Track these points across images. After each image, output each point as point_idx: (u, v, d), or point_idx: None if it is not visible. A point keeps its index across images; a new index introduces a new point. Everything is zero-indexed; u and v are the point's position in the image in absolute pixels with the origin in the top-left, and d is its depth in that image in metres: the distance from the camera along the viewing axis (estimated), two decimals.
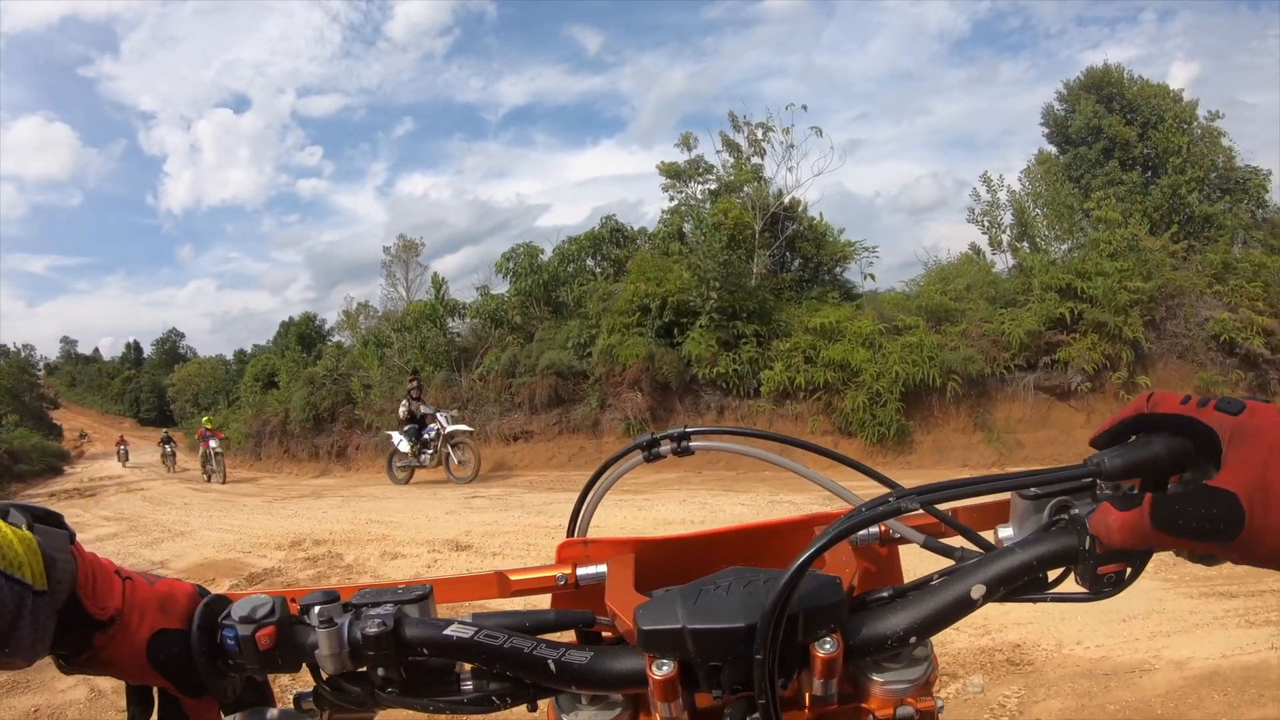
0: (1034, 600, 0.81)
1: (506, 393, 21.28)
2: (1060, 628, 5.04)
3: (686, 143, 24.27)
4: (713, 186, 23.95)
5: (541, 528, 10.04)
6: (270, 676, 0.90)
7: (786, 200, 22.01)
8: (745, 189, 22.26)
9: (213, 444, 23.80)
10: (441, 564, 8.39)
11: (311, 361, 32.97)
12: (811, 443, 1.27)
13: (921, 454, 15.76)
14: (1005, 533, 0.90)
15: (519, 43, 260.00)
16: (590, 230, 25.40)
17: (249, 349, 64.83)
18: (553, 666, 0.79)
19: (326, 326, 46.93)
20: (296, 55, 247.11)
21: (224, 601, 0.86)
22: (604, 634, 0.95)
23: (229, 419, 39.03)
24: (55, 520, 0.78)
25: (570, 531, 1.25)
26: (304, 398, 26.48)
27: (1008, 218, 21.69)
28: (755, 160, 22.80)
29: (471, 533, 9.96)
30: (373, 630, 0.79)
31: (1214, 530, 0.68)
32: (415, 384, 19.36)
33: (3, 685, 5.59)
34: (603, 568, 1.04)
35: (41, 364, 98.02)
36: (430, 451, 18.09)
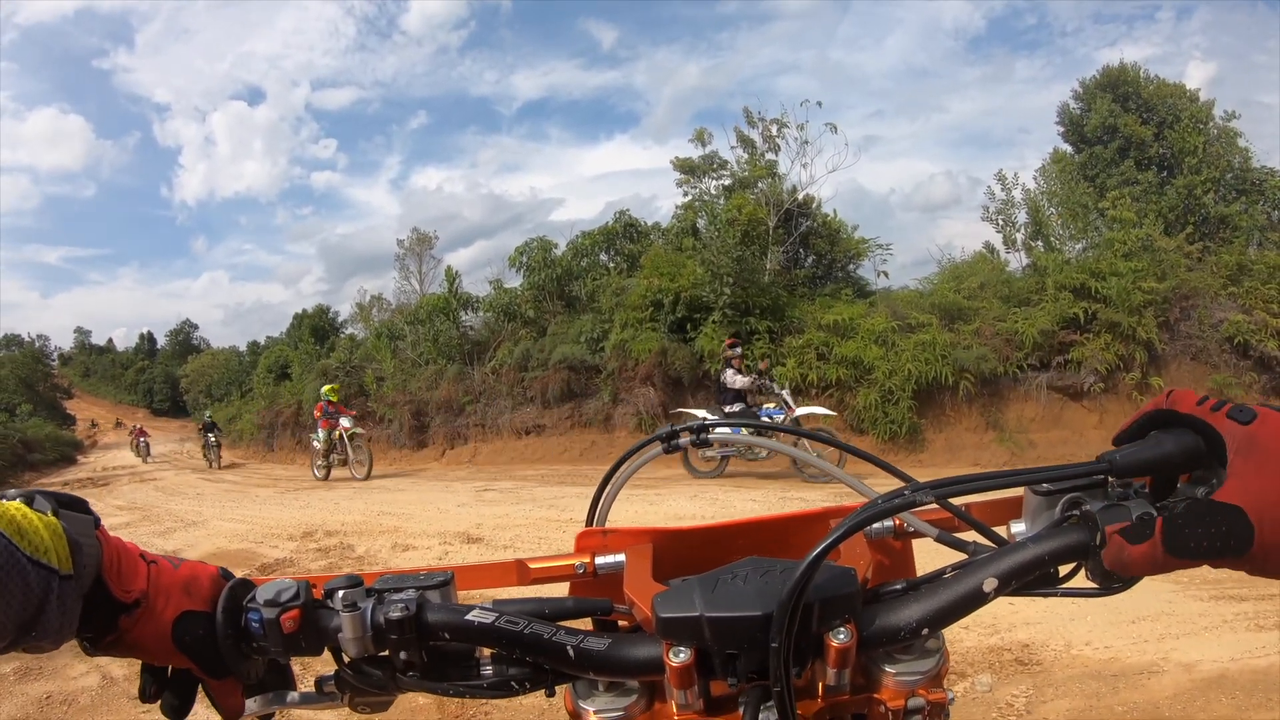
0: (1044, 595, 0.82)
1: (519, 386, 21.31)
2: (1069, 628, 5.02)
3: (701, 138, 24.30)
4: (727, 182, 23.99)
5: (553, 521, 10.03)
6: (292, 660, 0.92)
7: (800, 196, 22.05)
8: (759, 185, 22.27)
9: (345, 422, 18.77)
10: (453, 556, 8.37)
11: (324, 354, 33.01)
12: (832, 437, 1.28)
13: (933, 452, 15.72)
14: (1018, 528, 0.91)
15: (533, 37, 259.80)
16: (604, 225, 25.43)
17: (262, 340, 64.67)
18: (571, 653, 0.80)
19: (340, 319, 46.96)
20: (311, 48, 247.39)
21: (249, 585, 0.87)
22: (620, 622, 0.95)
23: (241, 410, 39.12)
24: (80, 505, 0.79)
25: (589, 521, 1.26)
26: (317, 390, 26.50)
27: (1022, 216, 21.64)
28: (770, 156, 22.87)
29: (483, 525, 9.96)
30: (396, 615, 0.80)
31: (1225, 548, 0.68)
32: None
33: (15, 672, 5.60)
34: (621, 557, 1.04)
35: (56, 354, 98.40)
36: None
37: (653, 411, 18.38)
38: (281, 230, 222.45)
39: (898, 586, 0.83)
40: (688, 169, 24.80)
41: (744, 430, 8.86)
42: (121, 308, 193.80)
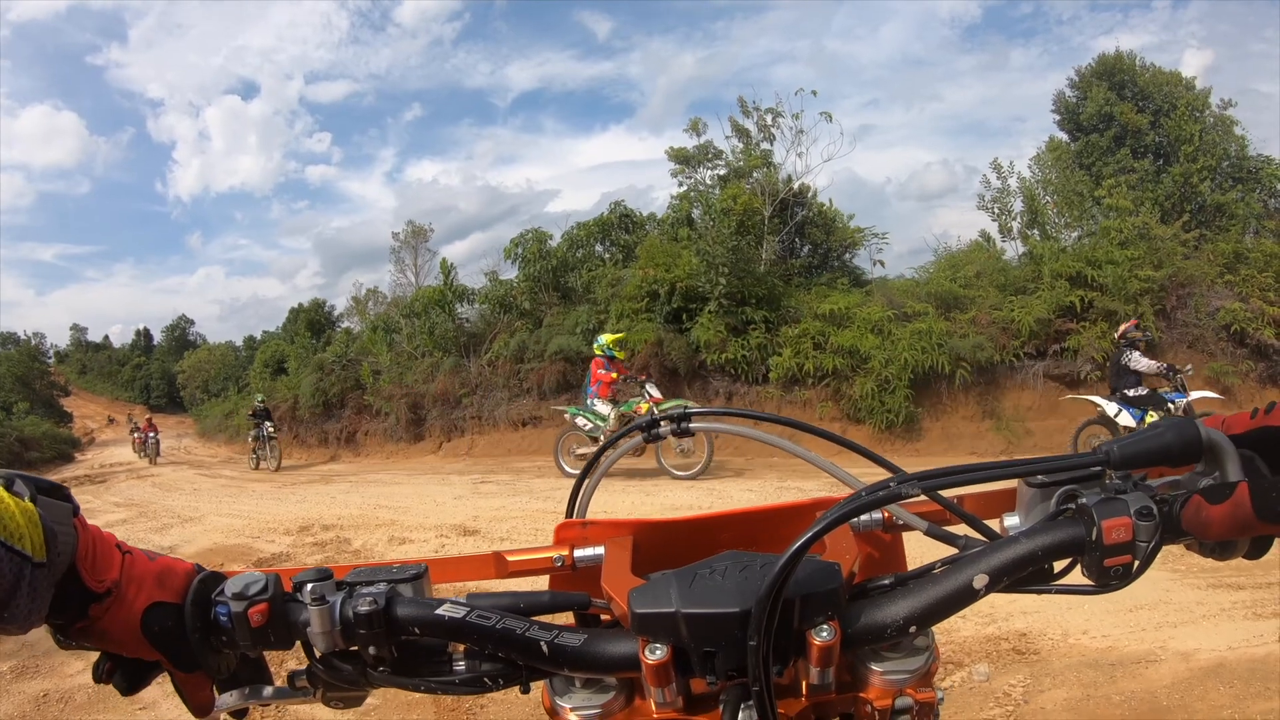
0: (1038, 592, 0.80)
1: (515, 378, 21.36)
2: (1066, 617, 5.03)
3: (696, 128, 24.30)
4: (722, 172, 23.99)
5: (549, 513, 10.07)
6: (271, 655, 0.91)
7: (796, 186, 22.03)
8: (754, 175, 22.24)
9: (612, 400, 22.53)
10: (449, 549, 8.42)
11: (321, 348, 33.09)
12: (814, 425, 1.26)
13: (930, 441, 15.75)
14: (1011, 521, 0.90)
15: (527, 28, 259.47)
16: (599, 216, 25.47)
17: (258, 335, 64.97)
18: (545, 649, 0.78)
19: (336, 313, 47.10)
20: (304, 41, 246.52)
21: (219, 578, 0.86)
22: (602, 616, 0.94)
23: (238, 405, 39.16)
24: (59, 492, 0.79)
25: (569, 513, 1.25)
26: (313, 384, 26.60)
27: (1018, 205, 21.64)
28: (765, 146, 22.83)
29: (479, 518, 10.01)
30: (364, 609, 0.79)
31: None
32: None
33: (12, 670, 5.62)
34: (600, 549, 1.03)
35: (52, 352, 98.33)
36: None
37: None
38: (277, 225, 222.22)
39: (885, 582, 0.81)
40: (683, 159, 24.80)
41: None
42: (117, 304, 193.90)
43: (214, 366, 64.10)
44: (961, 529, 0.87)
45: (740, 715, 0.73)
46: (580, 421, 14.17)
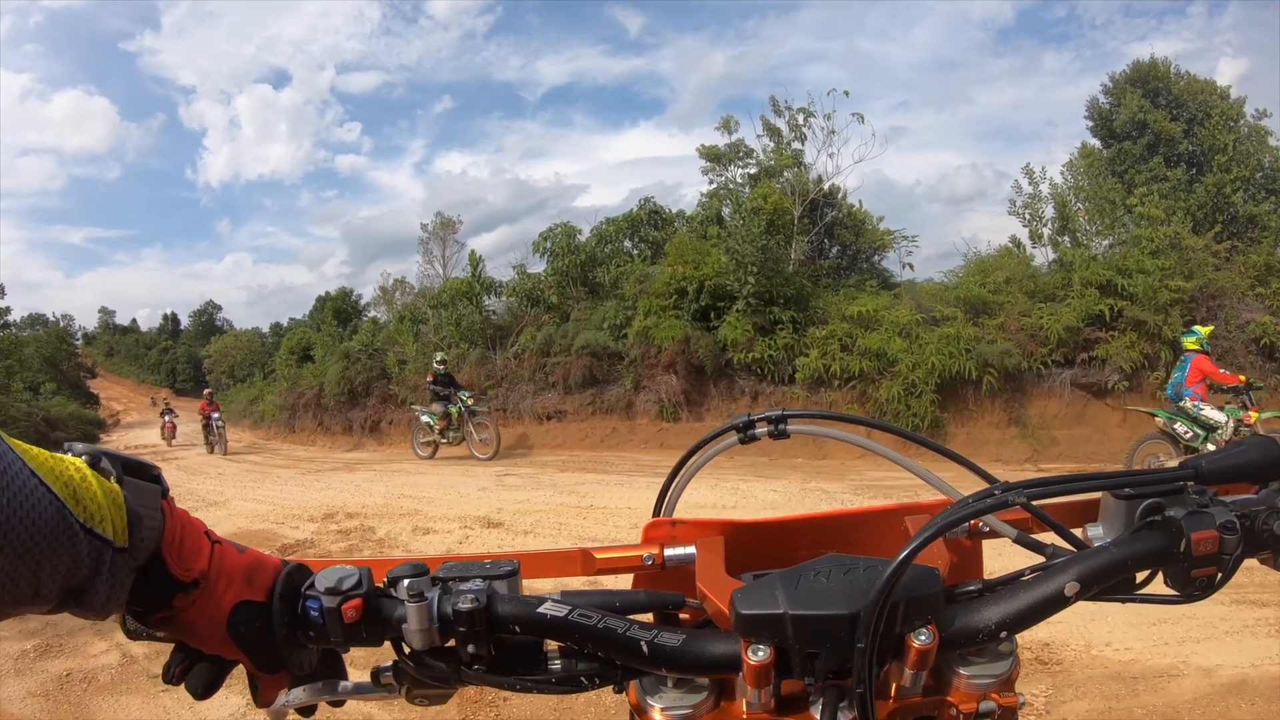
0: (1123, 600, 0.82)
1: (541, 372, 21.32)
2: (1090, 628, 5.01)
3: (727, 126, 24.12)
4: (752, 171, 23.84)
5: (573, 507, 10.08)
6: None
7: (826, 186, 21.91)
8: (785, 174, 22.10)
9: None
10: (473, 540, 8.43)
11: (347, 336, 33.04)
12: (912, 432, 1.26)
13: (954, 446, 15.16)
14: (1094, 531, 0.91)
15: (559, 22, 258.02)
16: (628, 212, 25.26)
17: (285, 322, 65.14)
18: (645, 648, 0.78)
19: (362, 302, 46.85)
20: (337, 32, 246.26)
21: (306, 571, 0.86)
22: (682, 616, 0.94)
23: (264, 391, 39.24)
24: (149, 473, 0.78)
25: (656, 511, 1.23)
26: (339, 372, 26.59)
27: (1049, 211, 21.44)
28: (796, 145, 22.65)
29: (503, 510, 10.03)
30: (465, 606, 0.79)
31: None
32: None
33: (36, 649, 5.67)
34: (691, 549, 1.03)
35: (80, 334, 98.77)
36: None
37: (674, 399, 18.40)
38: (305, 213, 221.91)
39: (974, 587, 0.83)
40: (713, 157, 24.68)
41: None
42: (145, 288, 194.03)
43: (240, 352, 64.22)
44: (1048, 537, 0.88)
45: (837, 716, 0.75)
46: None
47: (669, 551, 1.04)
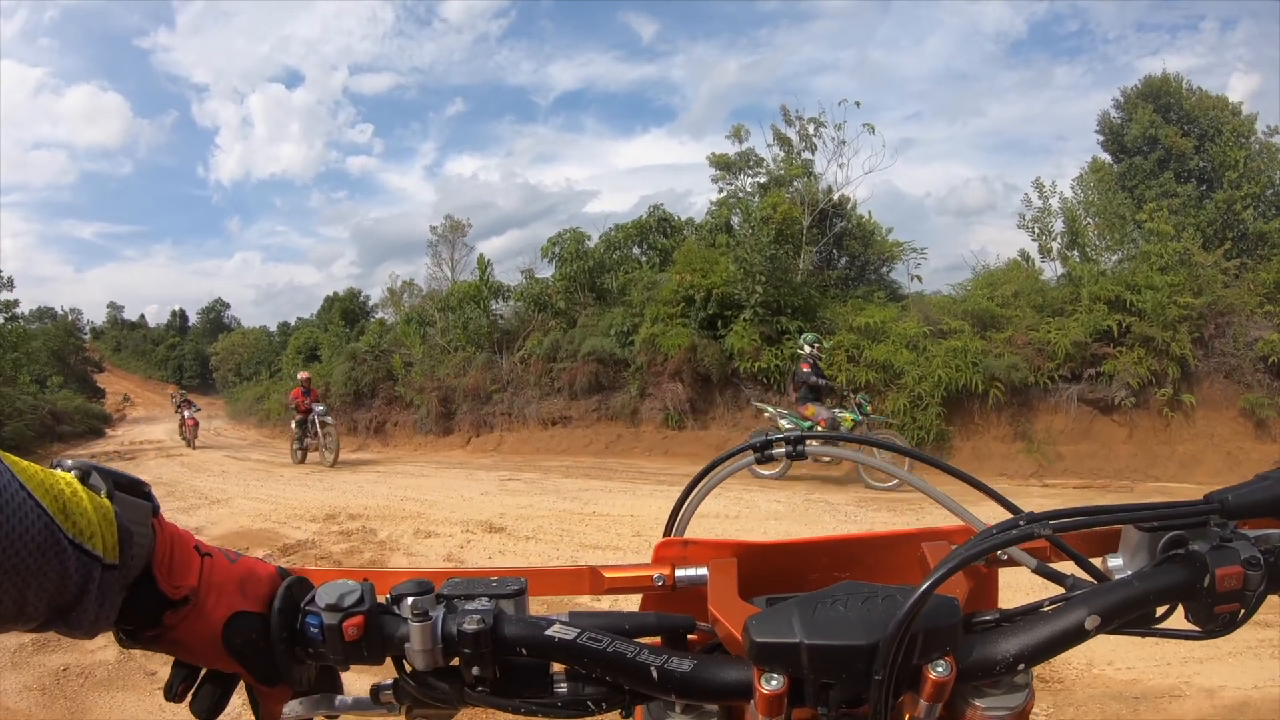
0: (1142, 634, 0.82)
1: (547, 377, 21.39)
2: (1091, 647, 4.97)
3: (738, 135, 24.17)
4: (762, 180, 23.88)
5: (575, 514, 10.08)
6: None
7: (836, 197, 21.93)
8: (795, 184, 22.15)
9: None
10: (475, 545, 8.42)
11: (354, 337, 33.24)
12: (930, 456, 1.25)
13: (959, 460, 15.49)
14: (1115, 562, 0.90)
15: (572, 28, 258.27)
16: (638, 219, 25.36)
17: (292, 321, 65.19)
18: (655, 674, 0.76)
19: (370, 303, 47.17)
20: (350, 33, 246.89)
21: (307, 584, 0.85)
22: (690, 638, 0.91)
23: (270, 389, 39.37)
24: (139, 489, 0.76)
25: (668, 530, 1.21)
26: (345, 372, 26.73)
27: (1059, 225, 21.41)
28: (806, 155, 22.68)
29: (505, 515, 10.01)
30: (471, 627, 0.77)
31: None
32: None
33: (33, 643, 5.66)
34: (703, 570, 1.01)
35: (88, 328, 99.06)
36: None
37: (680, 407, 18.44)
38: (315, 213, 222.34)
39: (990, 618, 0.82)
40: (723, 165, 24.71)
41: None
42: (154, 284, 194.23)
43: (247, 350, 64.33)
44: (1067, 567, 0.87)
45: None
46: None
47: (680, 572, 1.03)
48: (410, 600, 0.80)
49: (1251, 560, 0.77)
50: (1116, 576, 0.83)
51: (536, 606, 0.89)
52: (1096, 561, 0.89)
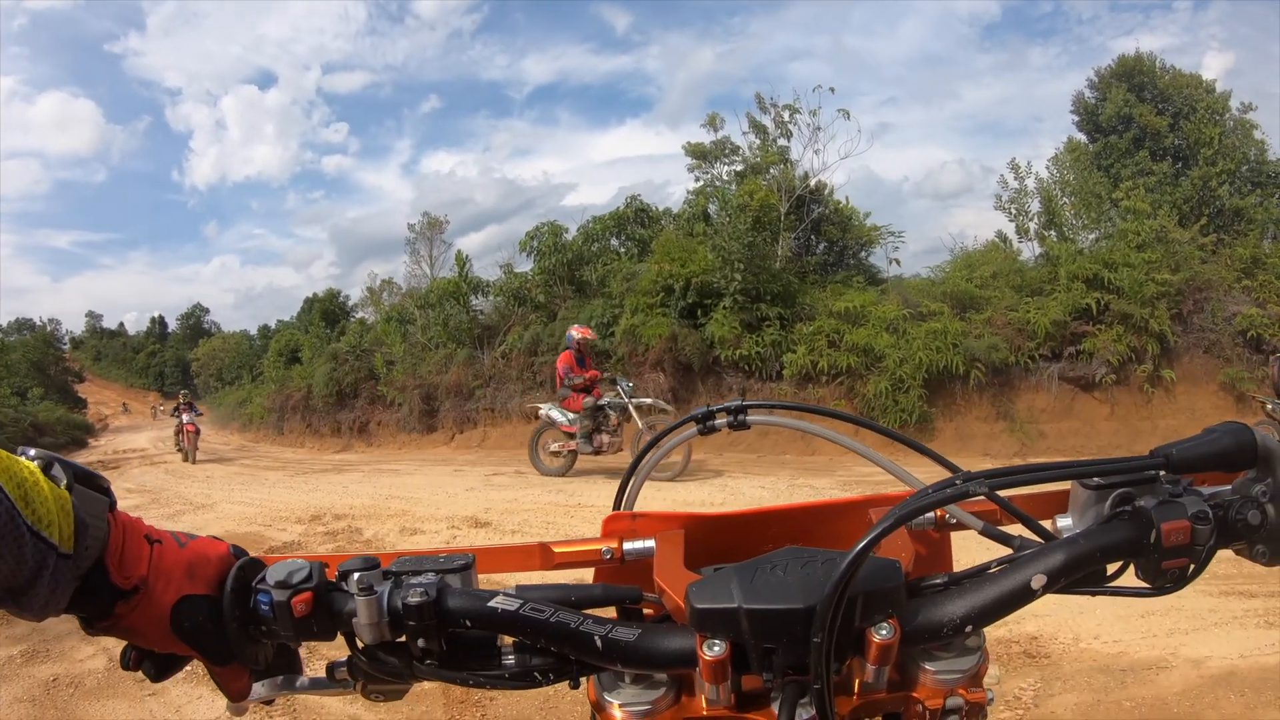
0: (1092, 593, 0.81)
1: (529, 371, 21.37)
2: (1078, 621, 5.01)
3: (713, 123, 24.14)
4: (738, 168, 23.83)
5: (560, 506, 10.11)
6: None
7: (813, 183, 21.96)
8: (771, 171, 22.15)
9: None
10: (460, 540, 8.39)
11: (335, 338, 33.13)
12: (873, 422, 1.24)
13: (943, 441, 15.60)
14: (1064, 522, 0.90)
15: (545, 20, 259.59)
16: (615, 210, 25.35)
17: (273, 324, 65.13)
18: (599, 643, 0.77)
19: (350, 303, 47.06)
20: (322, 31, 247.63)
21: (259, 565, 0.84)
22: (646, 610, 0.94)
23: (252, 393, 39.31)
24: (97, 483, 0.77)
25: (616, 505, 1.23)
26: (327, 373, 26.70)
27: (1035, 205, 21.52)
28: (781, 142, 22.74)
29: (491, 510, 10.03)
30: (414, 600, 0.77)
31: None
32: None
33: (23, 654, 5.64)
34: (650, 543, 1.01)
35: (67, 338, 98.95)
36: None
37: (662, 397, 18.38)
38: (292, 214, 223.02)
39: (939, 581, 0.81)
40: (699, 154, 24.70)
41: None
42: (133, 292, 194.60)
43: (228, 355, 64.39)
44: (1016, 529, 0.86)
45: (797, 713, 0.73)
46: None
47: (628, 545, 1.03)
48: (356, 576, 0.80)
49: (1200, 515, 0.76)
50: (1065, 536, 0.81)
51: (498, 586, 0.88)
52: (1046, 522, 0.89)
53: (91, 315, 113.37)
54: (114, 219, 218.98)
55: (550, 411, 13.61)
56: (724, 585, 0.74)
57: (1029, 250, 20.87)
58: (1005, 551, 0.83)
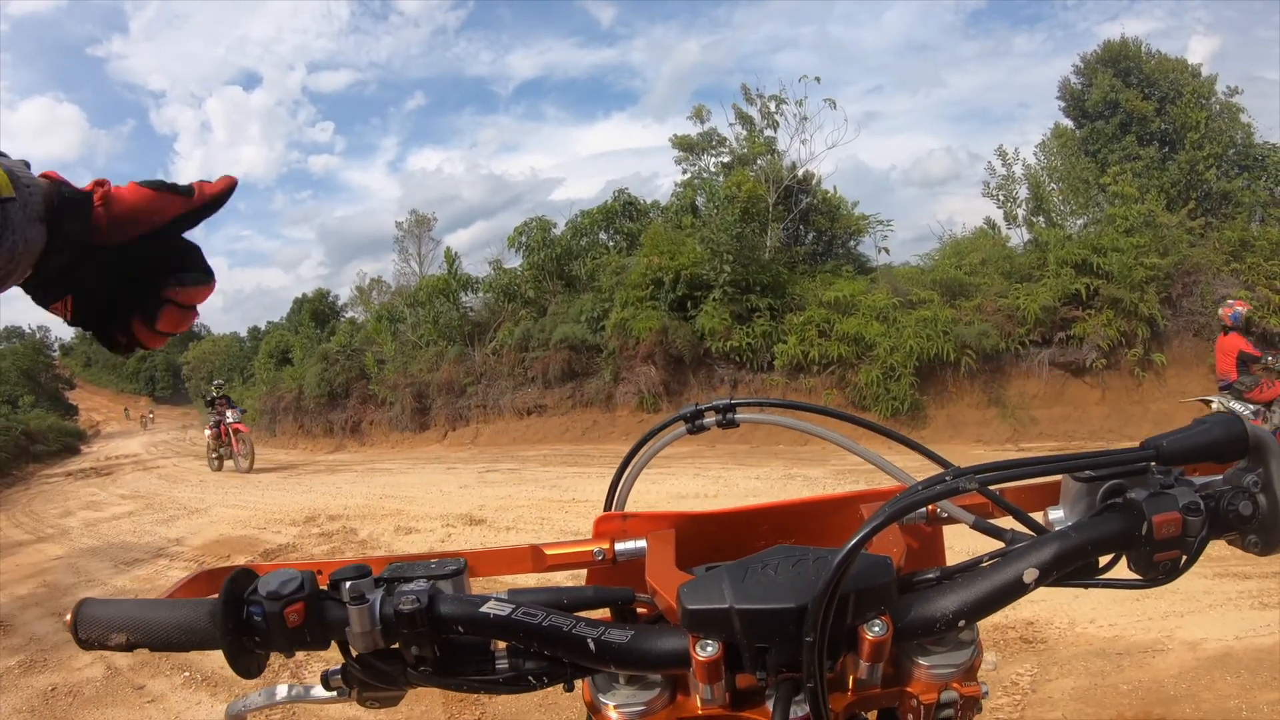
0: (1085, 586, 0.81)
1: (520, 367, 21.41)
2: (1073, 606, 5.02)
3: (699, 115, 24.12)
4: (726, 159, 23.83)
5: (555, 502, 10.11)
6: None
7: (800, 173, 21.96)
8: (759, 162, 22.14)
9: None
10: (455, 538, 8.43)
11: (325, 338, 33.14)
12: (860, 417, 1.25)
13: (935, 429, 15.72)
14: (1055, 515, 0.89)
15: (529, 15, 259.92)
16: (603, 204, 25.36)
17: (263, 326, 64.94)
18: (592, 646, 0.77)
19: (340, 302, 46.92)
20: (305, 31, 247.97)
21: (250, 575, 0.83)
22: (640, 611, 0.93)
23: (243, 395, 39.24)
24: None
25: (608, 505, 1.23)
26: (318, 374, 26.68)
27: (1023, 192, 21.54)
28: (768, 133, 22.70)
29: (485, 507, 10.02)
30: (406, 607, 0.77)
31: None
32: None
33: (20, 665, 5.64)
34: (642, 543, 1.02)
35: (56, 345, 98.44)
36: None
37: (654, 390, 18.48)
38: (280, 215, 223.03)
39: (931, 576, 0.81)
40: (686, 146, 24.68)
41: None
42: None
43: (218, 358, 64.21)
44: (1007, 522, 0.87)
45: (791, 710, 0.73)
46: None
47: (620, 546, 1.04)
48: (348, 584, 0.79)
49: (1191, 506, 0.76)
50: (1057, 529, 0.81)
51: (491, 589, 0.89)
52: (1038, 515, 0.89)
53: None
54: None
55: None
56: (715, 586, 0.74)
57: (1018, 236, 20.91)
58: (997, 545, 0.83)
